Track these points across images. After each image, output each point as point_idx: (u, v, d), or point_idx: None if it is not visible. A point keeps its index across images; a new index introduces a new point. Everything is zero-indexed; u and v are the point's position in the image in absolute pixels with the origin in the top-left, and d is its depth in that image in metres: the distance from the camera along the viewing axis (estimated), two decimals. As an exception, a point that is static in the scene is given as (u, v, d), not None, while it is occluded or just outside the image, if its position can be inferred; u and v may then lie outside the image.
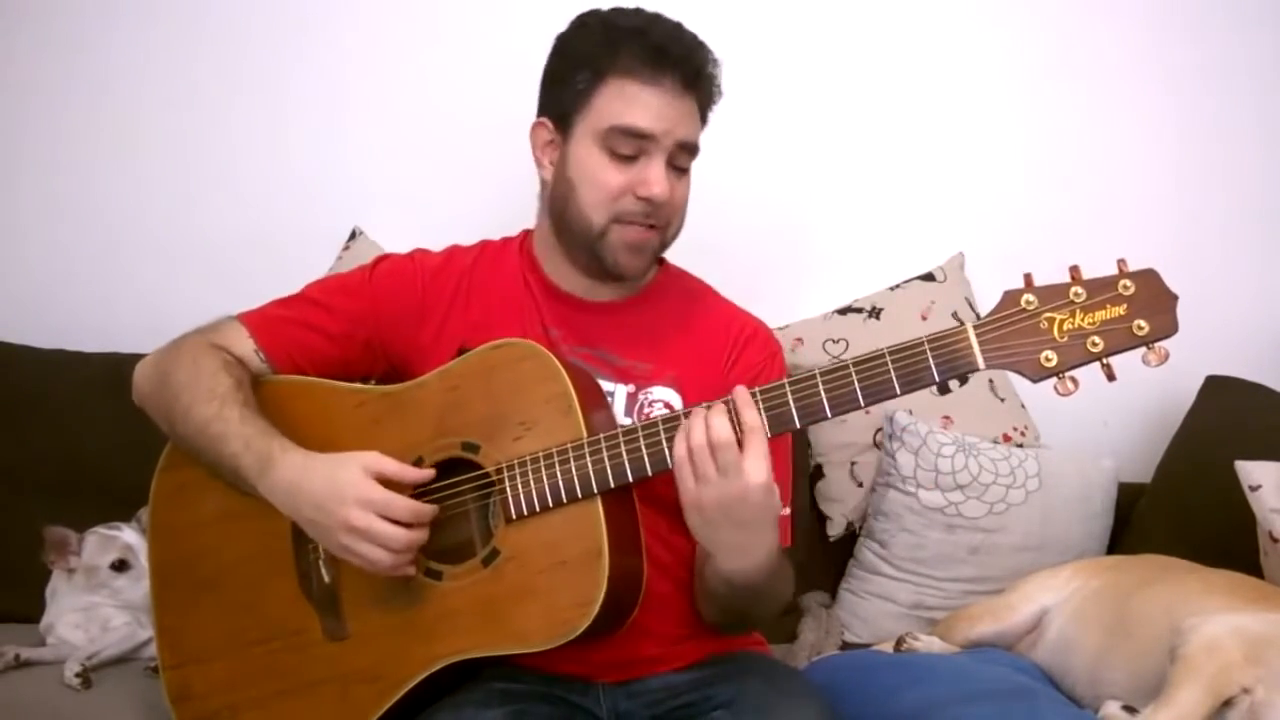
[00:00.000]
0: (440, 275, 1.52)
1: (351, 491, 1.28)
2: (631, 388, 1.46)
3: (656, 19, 1.44)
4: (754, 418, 1.22)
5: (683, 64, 1.41)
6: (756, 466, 1.20)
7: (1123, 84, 2.34)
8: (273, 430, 1.37)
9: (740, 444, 1.21)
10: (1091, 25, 2.33)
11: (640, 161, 1.41)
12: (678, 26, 1.44)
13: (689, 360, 1.48)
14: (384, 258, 1.57)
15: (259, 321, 1.49)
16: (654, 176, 1.41)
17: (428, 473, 1.35)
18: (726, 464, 1.21)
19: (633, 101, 1.40)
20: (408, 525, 1.29)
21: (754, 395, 1.24)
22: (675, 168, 1.44)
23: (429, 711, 1.35)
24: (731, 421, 1.22)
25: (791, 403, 1.24)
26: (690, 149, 1.45)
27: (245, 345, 1.48)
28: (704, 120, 1.48)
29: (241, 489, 1.38)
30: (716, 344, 1.50)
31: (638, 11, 1.46)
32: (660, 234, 1.46)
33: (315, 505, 1.31)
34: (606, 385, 1.45)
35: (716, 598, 1.39)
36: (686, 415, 1.26)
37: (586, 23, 1.46)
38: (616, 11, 1.47)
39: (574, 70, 1.44)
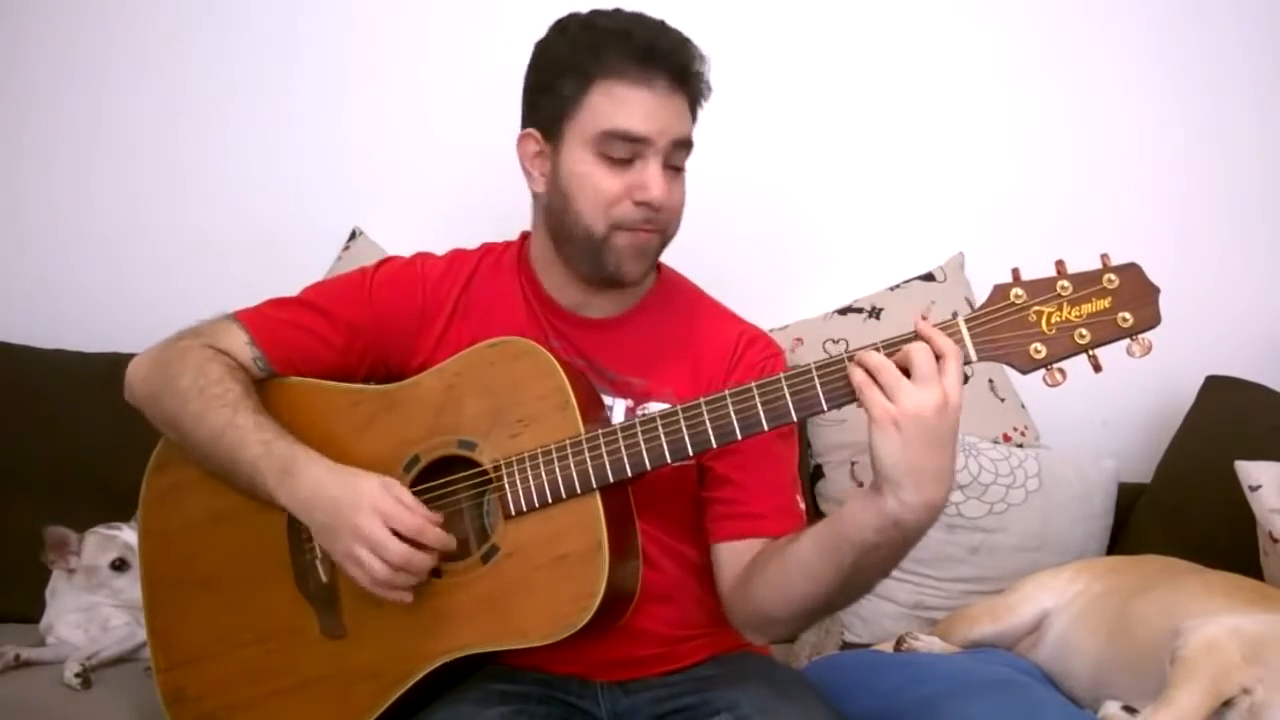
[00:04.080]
0: (442, 283, 1.51)
1: (368, 500, 1.29)
2: (629, 402, 1.45)
3: (639, 18, 1.41)
4: (948, 342, 1.16)
5: (670, 62, 1.38)
6: (954, 384, 1.15)
7: (1123, 84, 2.34)
8: (289, 436, 1.37)
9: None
10: (1092, 25, 2.33)
11: (636, 165, 1.39)
12: (662, 25, 1.41)
13: (687, 374, 1.46)
14: (386, 262, 1.55)
15: (257, 322, 1.48)
16: (652, 180, 1.38)
17: (435, 522, 1.31)
18: (924, 371, 1.15)
19: (623, 103, 1.37)
20: (412, 543, 1.29)
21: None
22: (671, 167, 1.41)
23: (426, 711, 1.35)
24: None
25: (788, 395, 1.24)
26: (685, 145, 1.42)
27: (243, 350, 1.46)
28: (694, 116, 1.45)
29: (255, 494, 1.38)
30: (716, 354, 1.48)
31: (617, 12, 1.43)
32: (660, 236, 1.44)
33: (330, 510, 1.31)
34: (604, 399, 1.44)
35: (840, 564, 1.24)
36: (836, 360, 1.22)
37: (566, 27, 1.43)
38: (596, 13, 1.43)
39: (558, 77, 1.40)
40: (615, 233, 1.40)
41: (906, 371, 1.16)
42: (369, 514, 1.28)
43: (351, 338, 1.48)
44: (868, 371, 1.18)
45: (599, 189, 1.39)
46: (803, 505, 1.46)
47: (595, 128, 1.38)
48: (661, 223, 1.42)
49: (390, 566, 1.28)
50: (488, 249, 1.56)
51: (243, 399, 1.40)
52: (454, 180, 2.24)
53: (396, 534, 1.28)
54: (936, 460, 1.16)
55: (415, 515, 1.29)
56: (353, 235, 2.23)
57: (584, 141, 1.39)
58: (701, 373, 1.47)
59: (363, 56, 2.27)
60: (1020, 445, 2.16)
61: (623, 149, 1.38)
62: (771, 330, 1.74)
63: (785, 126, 2.30)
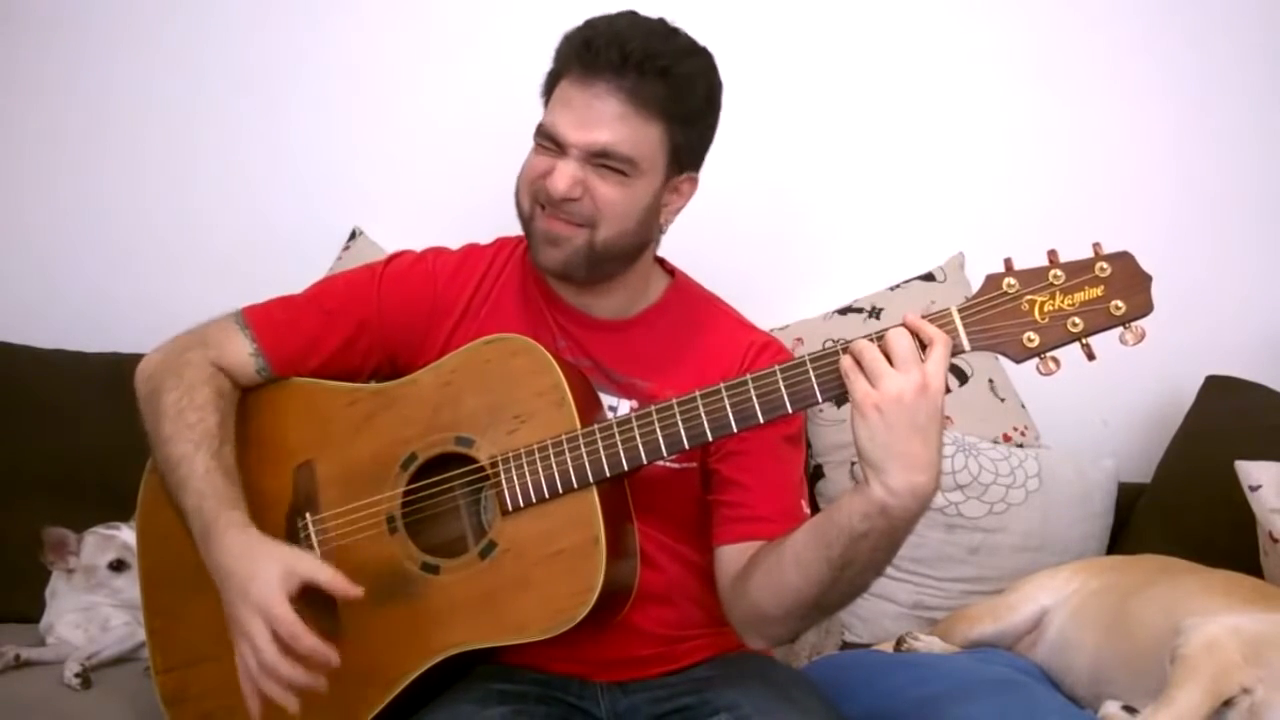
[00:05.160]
0: (454, 281, 1.50)
1: (256, 594, 1.25)
2: (634, 403, 1.44)
3: (611, 19, 1.39)
4: (936, 331, 1.18)
5: (604, 60, 1.34)
6: (937, 370, 1.16)
7: (1122, 84, 2.34)
8: (227, 496, 1.34)
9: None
10: (1091, 25, 2.33)
11: (561, 156, 1.38)
12: (631, 24, 1.38)
13: (693, 379, 1.42)
14: (396, 257, 1.54)
15: (263, 325, 1.47)
16: (557, 171, 1.37)
17: (355, 591, 1.29)
18: (903, 355, 1.16)
19: (559, 101, 1.38)
20: (286, 649, 1.24)
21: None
22: (605, 167, 1.37)
23: (426, 710, 1.35)
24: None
25: (783, 387, 1.24)
26: (611, 158, 1.36)
27: (247, 362, 1.45)
28: (670, 119, 1.38)
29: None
30: (724, 361, 1.47)
31: (618, 15, 1.42)
32: (586, 233, 1.39)
33: (227, 585, 1.29)
34: (609, 400, 1.44)
35: (830, 556, 1.24)
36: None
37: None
38: (600, 16, 1.42)
39: (548, 76, 1.43)
40: (538, 213, 1.41)
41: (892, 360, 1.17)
42: (251, 611, 1.25)
43: (357, 336, 1.48)
44: (854, 358, 1.19)
45: (530, 165, 1.41)
46: (807, 510, 1.45)
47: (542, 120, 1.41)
48: (577, 216, 1.39)
49: (257, 663, 1.25)
50: (501, 244, 1.56)
51: (209, 436, 1.37)
52: (455, 180, 2.24)
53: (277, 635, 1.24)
54: (919, 445, 1.16)
55: (290, 624, 1.23)
56: (353, 235, 2.23)
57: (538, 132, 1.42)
58: (708, 379, 1.45)
59: (364, 57, 2.27)
60: (1020, 445, 2.16)
61: (550, 140, 1.39)
62: (772, 330, 1.74)
63: (786, 127, 2.30)
